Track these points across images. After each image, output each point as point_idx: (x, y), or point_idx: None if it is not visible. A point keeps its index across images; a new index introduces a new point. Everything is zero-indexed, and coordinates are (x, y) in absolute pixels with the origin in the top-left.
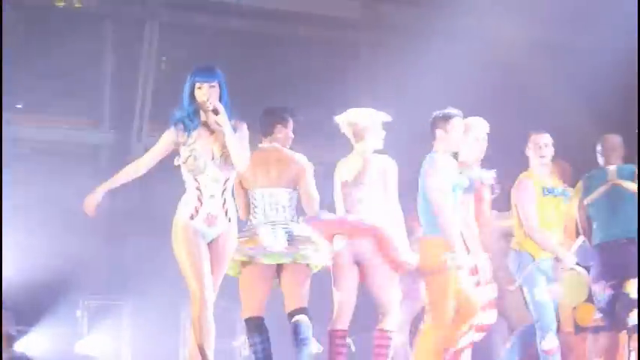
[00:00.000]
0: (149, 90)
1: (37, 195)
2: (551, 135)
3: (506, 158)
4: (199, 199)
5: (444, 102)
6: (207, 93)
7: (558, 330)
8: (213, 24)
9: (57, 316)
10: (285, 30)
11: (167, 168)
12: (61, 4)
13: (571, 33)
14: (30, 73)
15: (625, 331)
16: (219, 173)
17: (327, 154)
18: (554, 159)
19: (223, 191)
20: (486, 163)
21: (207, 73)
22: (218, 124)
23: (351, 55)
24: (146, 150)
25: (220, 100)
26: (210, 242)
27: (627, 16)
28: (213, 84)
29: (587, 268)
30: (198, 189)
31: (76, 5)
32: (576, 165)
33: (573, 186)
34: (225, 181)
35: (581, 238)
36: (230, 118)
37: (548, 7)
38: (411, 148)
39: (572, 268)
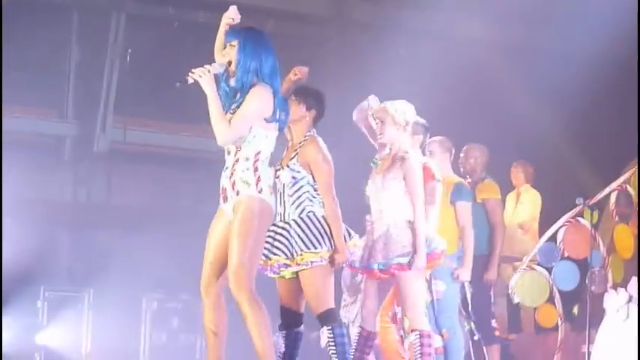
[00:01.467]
0: (114, 81)
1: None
2: (517, 136)
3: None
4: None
5: (410, 100)
6: (228, 53)
7: (520, 330)
8: (179, 17)
9: (18, 307)
10: (253, 24)
11: (134, 160)
12: None
13: (540, 34)
14: None
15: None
16: None
17: None
18: (519, 161)
19: (234, 163)
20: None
21: (230, 31)
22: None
23: (319, 50)
24: (111, 142)
25: (237, 63)
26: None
27: (599, 20)
28: (233, 43)
29: (549, 269)
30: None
31: None
32: (539, 166)
33: (535, 187)
34: (236, 151)
35: (544, 238)
36: (245, 84)
37: (517, 6)
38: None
39: (532, 269)
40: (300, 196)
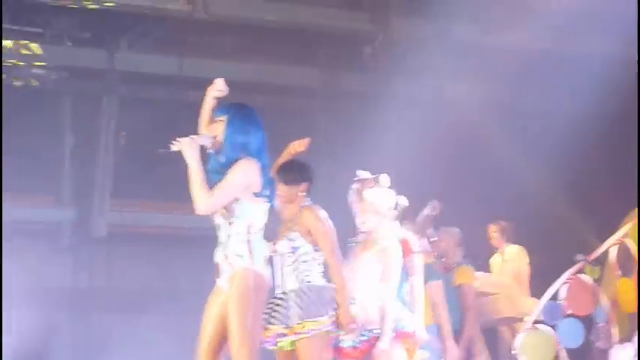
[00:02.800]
0: (109, 164)
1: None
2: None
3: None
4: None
5: (404, 165)
6: (216, 128)
7: None
8: (171, 97)
9: None
10: (243, 100)
11: (133, 242)
12: (19, 83)
13: (528, 93)
14: None
15: None
16: (219, 217)
17: None
18: (494, 221)
19: (227, 238)
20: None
21: (219, 107)
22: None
23: (309, 122)
24: (108, 225)
25: (225, 138)
26: None
27: (580, 79)
28: (221, 118)
29: (553, 327)
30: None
31: (33, 83)
32: (532, 225)
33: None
34: (228, 226)
35: (548, 295)
36: (231, 159)
37: (505, 67)
38: None
39: (536, 328)
40: (298, 266)
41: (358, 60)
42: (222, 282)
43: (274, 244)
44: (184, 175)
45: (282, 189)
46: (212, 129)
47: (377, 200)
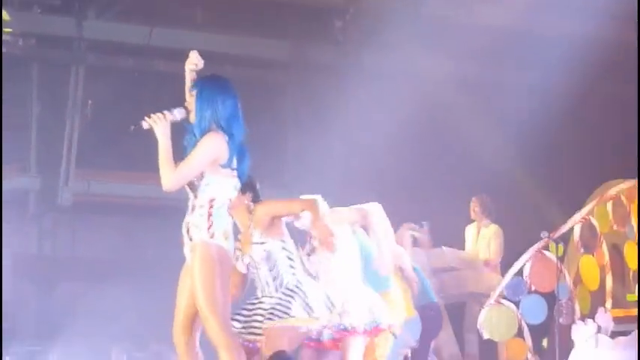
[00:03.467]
0: (75, 134)
1: None
2: (479, 170)
3: (433, 197)
4: None
5: (371, 141)
6: (190, 102)
7: None
8: (138, 67)
9: None
10: (212, 71)
11: (99, 212)
12: None
13: (499, 69)
14: None
15: None
16: (187, 189)
17: None
18: (477, 195)
19: (191, 209)
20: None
21: (194, 81)
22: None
23: (279, 94)
24: (74, 194)
25: (195, 110)
26: None
27: (548, 57)
28: (192, 92)
29: (517, 303)
30: None
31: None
32: (498, 200)
33: (495, 220)
34: (193, 199)
35: (511, 272)
36: (203, 131)
37: (474, 43)
38: (339, 189)
39: (500, 303)
40: (279, 269)
41: (329, 33)
42: (185, 251)
43: (243, 258)
44: (151, 146)
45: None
46: (189, 103)
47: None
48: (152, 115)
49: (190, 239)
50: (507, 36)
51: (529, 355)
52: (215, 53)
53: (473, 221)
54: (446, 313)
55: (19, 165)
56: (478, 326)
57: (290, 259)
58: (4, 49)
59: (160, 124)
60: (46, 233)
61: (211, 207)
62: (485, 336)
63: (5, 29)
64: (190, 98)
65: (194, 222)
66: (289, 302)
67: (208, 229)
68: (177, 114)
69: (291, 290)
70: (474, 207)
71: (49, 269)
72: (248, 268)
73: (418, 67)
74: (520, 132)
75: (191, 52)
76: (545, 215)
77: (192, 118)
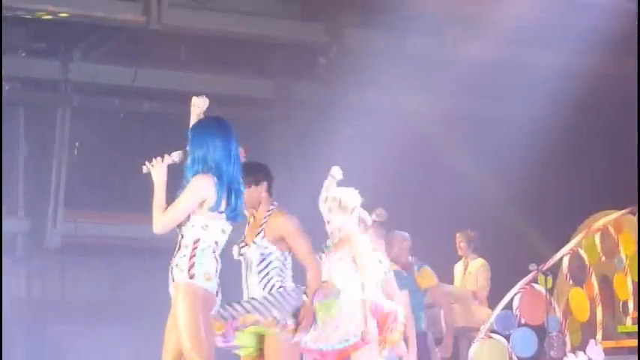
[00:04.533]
0: (63, 175)
1: None
2: (467, 205)
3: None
4: None
5: (356, 175)
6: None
7: None
8: (125, 107)
9: None
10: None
11: (87, 253)
12: None
13: (484, 104)
14: None
15: None
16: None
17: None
18: (461, 230)
19: (177, 249)
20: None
21: None
22: None
23: (265, 133)
24: (62, 236)
25: (188, 154)
26: None
27: (534, 86)
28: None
29: (507, 337)
30: None
31: None
32: (486, 234)
33: (481, 254)
34: (180, 239)
35: (500, 305)
36: (193, 172)
37: (459, 77)
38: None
39: (490, 337)
40: (268, 272)
41: (313, 70)
42: (170, 291)
43: (241, 249)
44: (138, 186)
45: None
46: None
47: (342, 196)
48: (154, 159)
49: (173, 279)
50: (491, 69)
51: None
52: (199, 93)
53: (460, 257)
54: (434, 347)
55: (7, 207)
56: None
57: (284, 266)
58: None
59: (156, 168)
60: (35, 276)
61: (195, 248)
62: None
63: None
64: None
65: (177, 262)
66: (272, 305)
67: (189, 270)
68: (176, 156)
69: (279, 294)
70: (459, 242)
71: (38, 312)
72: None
73: (403, 102)
74: (506, 165)
75: (193, 97)
76: (533, 248)
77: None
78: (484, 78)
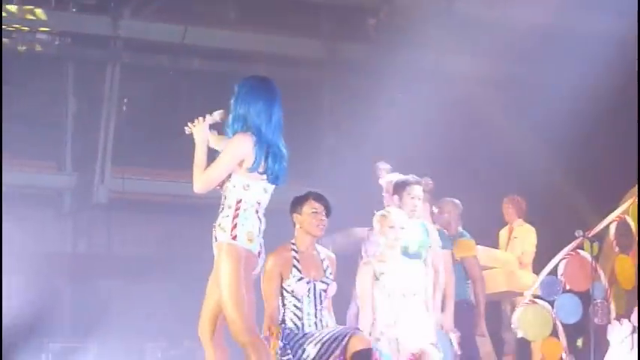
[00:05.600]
0: (111, 132)
1: (2, 238)
2: (513, 170)
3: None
4: None
5: (404, 139)
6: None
7: None
8: (174, 65)
9: None
10: (247, 70)
11: (133, 209)
12: (23, 48)
13: (532, 67)
14: None
15: None
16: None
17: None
18: (509, 195)
19: (221, 210)
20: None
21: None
22: None
23: (314, 94)
24: (110, 192)
25: (230, 111)
26: None
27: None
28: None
29: (552, 303)
30: None
31: (37, 49)
32: (532, 200)
33: (527, 220)
34: (223, 199)
35: (546, 270)
36: (235, 131)
37: (507, 41)
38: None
39: (534, 302)
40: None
41: (362, 31)
42: (215, 251)
43: (315, 284)
44: (186, 144)
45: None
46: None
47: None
48: (197, 120)
49: (216, 239)
50: (541, 33)
51: (564, 355)
52: (248, 52)
53: (505, 223)
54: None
55: (55, 163)
56: (512, 325)
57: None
58: (40, 48)
59: (197, 127)
60: (82, 231)
61: (237, 209)
62: (520, 335)
63: (41, 28)
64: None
65: (219, 222)
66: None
67: (232, 230)
68: (217, 115)
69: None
70: (507, 208)
71: (84, 267)
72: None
73: (451, 64)
74: (554, 130)
75: (216, 112)
76: (580, 214)
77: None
78: (533, 41)
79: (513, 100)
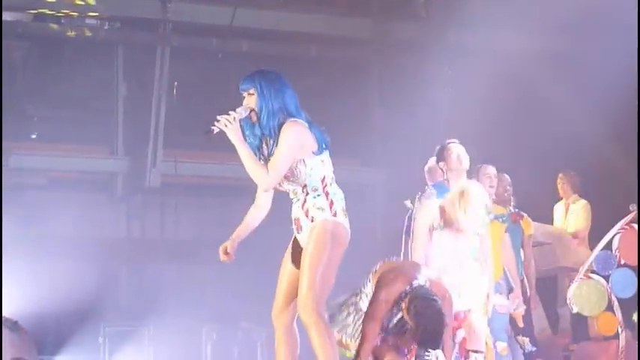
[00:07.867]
0: (162, 115)
1: (56, 223)
2: (565, 146)
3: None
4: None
5: (456, 117)
6: (248, 102)
7: (587, 338)
8: (224, 48)
9: (79, 344)
10: (297, 51)
11: (186, 193)
12: (72, 33)
13: (584, 43)
14: (43, 104)
15: None
16: (285, 184)
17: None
18: (564, 170)
19: (305, 195)
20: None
21: (244, 80)
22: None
23: (363, 73)
24: (162, 176)
25: (260, 109)
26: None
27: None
28: (250, 91)
29: (606, 277)
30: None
31: (87, 34)
32: (587, 175)
33: (585, 195)
34: (303, 187)
35: (600, 245)
36: (274, 127)
37: (559, 17)
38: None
39: (589, 277)
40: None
41: (411, 9)
42: (302, 237)
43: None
44: None
45: None
46: (246, 103)
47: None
48: (220, 117)
49: (312, 220)
50: (593, 9)
51: (619, 330)
52: (298, 33)
53: (560, 198)
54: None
55: (107, 147)
56: (567, 301)
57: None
58: (89, 33)
59: (230, 128)
60: (135, 215)
61: (325, 185)
62: (575, 310)
63: (91, 13)
64: (248, 97)
65: (314, 203)
66: None
67: (330, 207)
68: (242, 111)
69: None
70: (562, 184)
71: (138, 251)
72: None
73: (502, 41)
74: (607, 105)
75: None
76: (633, 188)
77: (254, 117)
78: (586, 17)
79: (566, 76)
